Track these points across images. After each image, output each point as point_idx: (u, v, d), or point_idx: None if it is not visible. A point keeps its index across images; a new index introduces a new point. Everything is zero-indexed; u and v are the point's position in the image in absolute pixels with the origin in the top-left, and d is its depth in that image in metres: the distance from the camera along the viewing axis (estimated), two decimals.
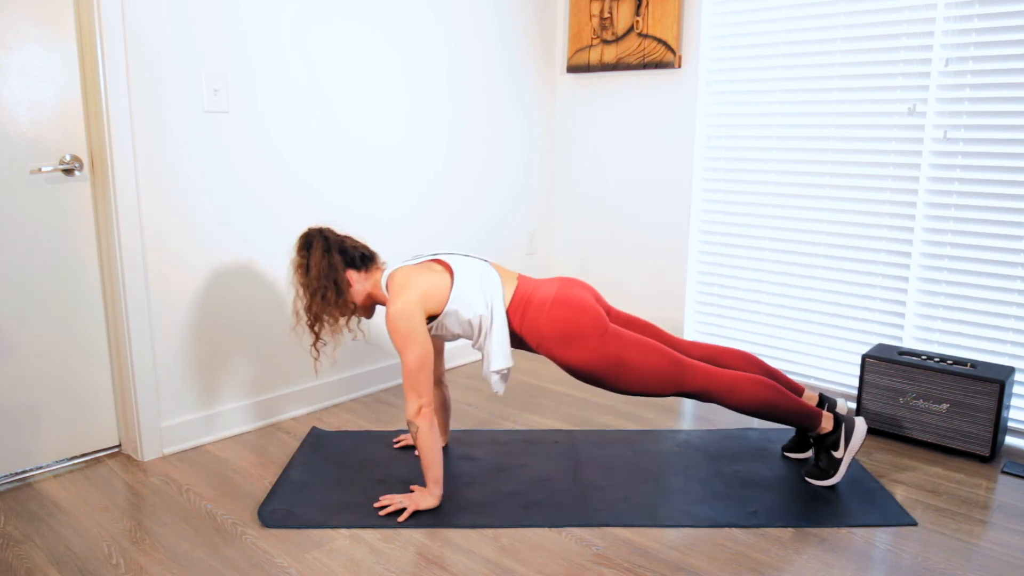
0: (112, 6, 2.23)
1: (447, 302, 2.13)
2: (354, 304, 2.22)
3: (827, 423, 2.30)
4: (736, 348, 2.44)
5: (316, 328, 2.18)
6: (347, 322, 2.28)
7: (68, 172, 2.33)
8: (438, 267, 2.19)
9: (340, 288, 2.16)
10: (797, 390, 2.43)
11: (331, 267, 2.14)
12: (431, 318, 2.16)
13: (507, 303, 2.19)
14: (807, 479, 2.33)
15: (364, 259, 2.22)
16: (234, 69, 2.54)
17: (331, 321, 2.18)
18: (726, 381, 2.20)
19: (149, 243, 2.41)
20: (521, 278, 2.25)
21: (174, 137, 2.43)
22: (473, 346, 2.24)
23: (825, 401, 2.45)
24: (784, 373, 2.49)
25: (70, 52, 2.28)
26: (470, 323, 2.16)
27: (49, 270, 2.32)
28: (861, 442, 2.27)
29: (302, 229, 2.80)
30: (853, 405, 2.96)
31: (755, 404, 2.21)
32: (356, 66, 2.89)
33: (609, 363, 2.14)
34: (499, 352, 2.16)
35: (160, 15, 2.34)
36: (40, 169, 2.26)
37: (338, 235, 2.22)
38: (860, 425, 2.28)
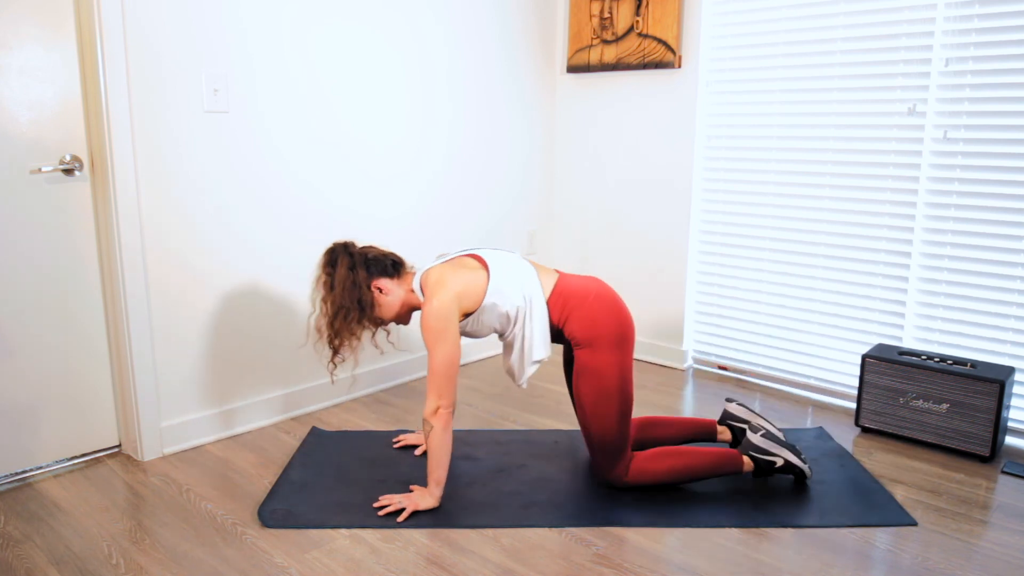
0: (112, 6, 2.23)
1: (484, 296, 2.13)
2: (381, 319, 2.21)
3: (747, 459, 2.28)
4: (644, 416, 2.49)
5: (335, 344, 2.16)
6: (373, 337, 2.29)
7: (68, 172, 2.33)
8: (472, 262, 2.19)
9: (363, 307, 2.14)
10: (708, 433, 2.47)
11: (355, 285, 2.13)
12: (467, 315, 2.15)
13: (547, 294, 2.19)
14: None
15: (395, 266, 2.21)
16: (234, 69, 2.54)
17: (351, 339, 2.17)
18: (636, 476, 2.22)
19: (149, 243, 2.41)
20: (561, 273, 2.27)
21: (174, 137, 2.43)
22: (504, 337, 2.23)
23: (727, 424, 2.49)
24: (691, 416, 2.52)
25: (70, 52, 2.28)
26: (507, 316, 2.16)
27: (49, 270, 2.32)
28: (768, 441, 2.25)
29: (301, 228, 2.80)
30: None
31: (674, 476, 2.22)
32: (356, 66, 2.89)
33: (605, 381, 2.14)
34: (540, 341, 2.17)
35: (160, 15, 2.34)
36: (40, 169, 2.26)
37: (361, 248, 2.20)
38: (750, 435, 2.27)
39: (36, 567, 1.88)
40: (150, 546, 1.98)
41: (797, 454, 2.27)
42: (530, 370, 2.20)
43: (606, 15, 3.44)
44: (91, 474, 2.38)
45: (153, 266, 2.43)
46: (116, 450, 2.54)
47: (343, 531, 2.05)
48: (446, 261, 2.21)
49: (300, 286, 2.82)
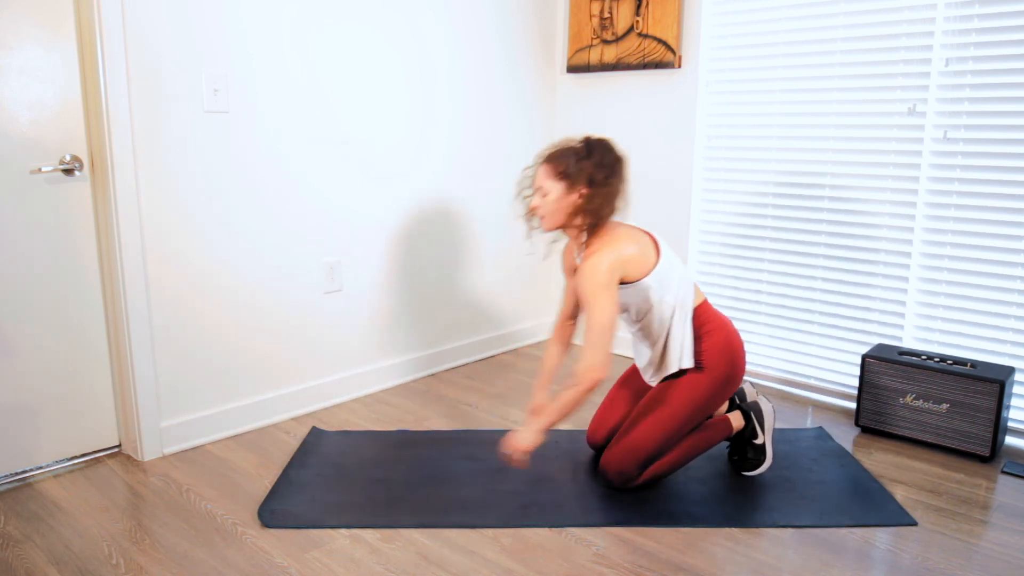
0: (112, 6, 2.23)
1: (645, 276, 2.13)
2: (577, 226, 2.17)
3: (737, 421, 2.36)
4: None
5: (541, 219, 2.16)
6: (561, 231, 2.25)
7: (68, 172, 2.33)
8: (646, 239, 2.18)
9: (598, 216, 2.10)
10: None
11: (610, 196, 2.10)
12: (622, 283, 2.15)
13: (694, 306, 2.23)
14: (743, 473, 2.37)
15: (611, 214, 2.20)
16: (234, 69, 2.54)
17: (565, 222, 2.15)
18: (658, 468, 2.25)
19: (149, 243, 2.41)
20: (706, 298, 2.31)
21: (174, 137, 2.43)
22: (632, 328, 2.26)
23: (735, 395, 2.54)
24: None
25: (70, 52, 2.28)
26: (651, 305, 2.17)
27: (49, 270, 2.32)
28: (773, 420, 2.37)
29: (301, 227, 2.80)
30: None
31: (678, 463, 2.27)
32: (356, 66, 2.89)
33: (693, 395, 2.18)
34: (688, 350, 2.20)
35: (160, 15, 2.34)
36: (40, 169, 2.26)
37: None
38: (765, 405, 2.38)
39: (36, 567, 1.88)
40: (150, 546, 1.98)
41: (772, 453, 2.37)
42: (671, 369, 2.22)
43: (606, 15, 3.44)
44: (91, 474, 2.38)
45: (153, 266, 2.43)
46: (116, 450, 2.54)
47: (343, 531, 2.05)
48: (627, 226, 2.20)
49: (300, 286, 2.83)
